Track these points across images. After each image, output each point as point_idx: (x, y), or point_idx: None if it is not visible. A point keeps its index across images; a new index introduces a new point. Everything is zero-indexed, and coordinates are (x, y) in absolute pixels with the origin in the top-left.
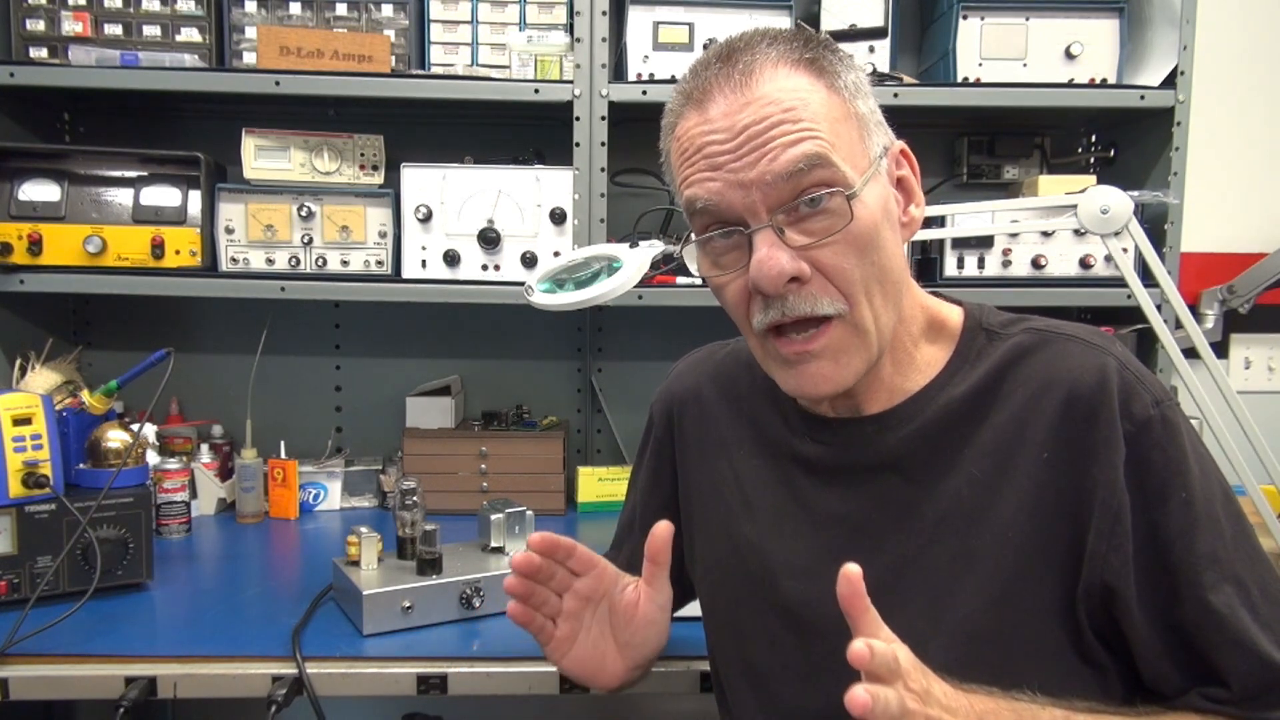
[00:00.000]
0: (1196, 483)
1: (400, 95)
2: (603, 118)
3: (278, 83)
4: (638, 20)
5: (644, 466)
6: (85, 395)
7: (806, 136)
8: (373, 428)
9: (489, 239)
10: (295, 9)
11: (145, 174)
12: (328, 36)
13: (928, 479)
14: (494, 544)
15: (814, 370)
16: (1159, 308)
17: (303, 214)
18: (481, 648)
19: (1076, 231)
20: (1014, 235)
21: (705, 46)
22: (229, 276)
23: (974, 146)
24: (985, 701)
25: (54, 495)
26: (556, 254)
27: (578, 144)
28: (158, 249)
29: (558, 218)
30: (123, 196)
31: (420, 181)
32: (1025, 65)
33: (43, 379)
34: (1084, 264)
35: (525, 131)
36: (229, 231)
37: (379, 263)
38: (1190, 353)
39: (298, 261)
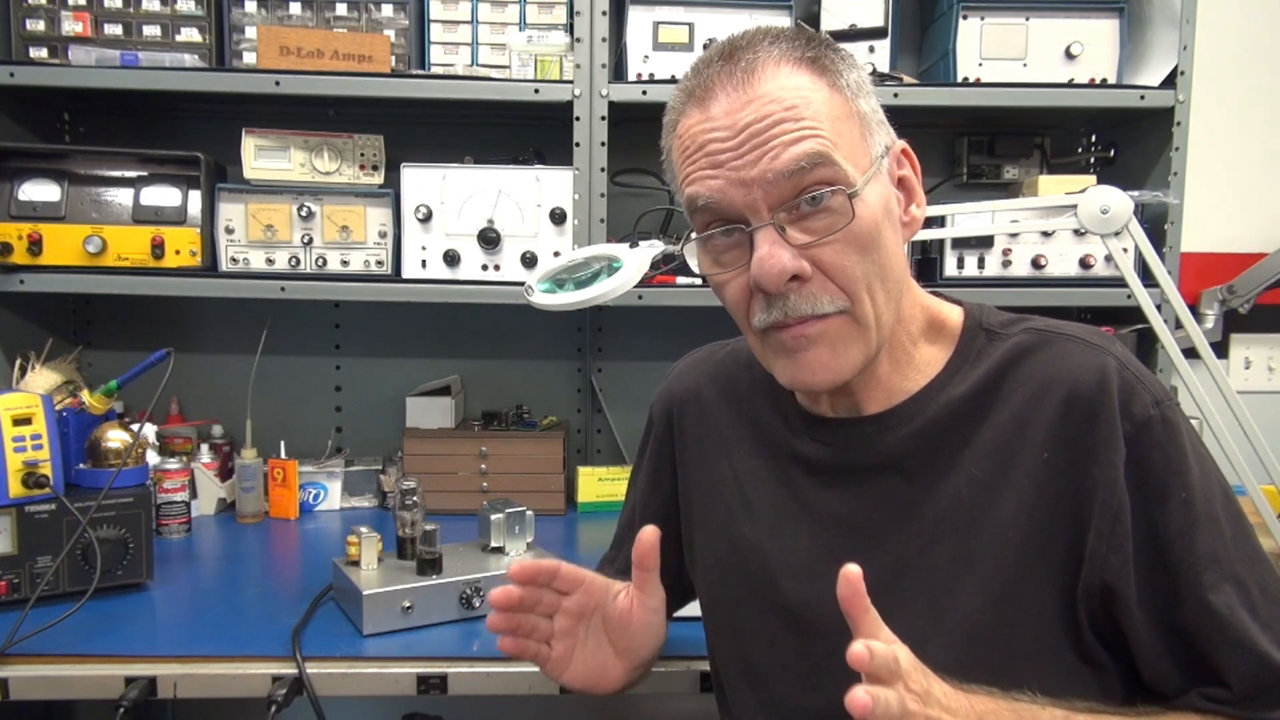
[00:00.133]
0: (1196, 483)
1: (400, 95)
2: (603, 118)
3: (278, 83)
4: (638, 20)
5: (644, 467)
6: (85, 395)
7: (808, 135)
8: (373, 428)
9: (489, 239)
10: (295, 9)
11: (145, 174)
12: (328, 36)
13: (928, 479)
14: (494, 544)
15: (811, 358)
16: (1159, 308)
17: (303, 214)
18: (481, 648)
19: (1076, 231)
20: (1014, 235)
21: (705, 46)
22: (229, 276)
23: (974, 146)
24: (985, 702)
25: (54, 495)
26: (556, 254)
27: (578, 144)
28: (158, 249)
29: (558, 218)
30: (123, 196)
31: (420, 181)
32: (1025, 65)
33: (43, 379)
34: (1084, 264)
35: (525, 131)
36: (229, 231)
37: (379, 263)
38: (1190, 353)
39: (298, 261)
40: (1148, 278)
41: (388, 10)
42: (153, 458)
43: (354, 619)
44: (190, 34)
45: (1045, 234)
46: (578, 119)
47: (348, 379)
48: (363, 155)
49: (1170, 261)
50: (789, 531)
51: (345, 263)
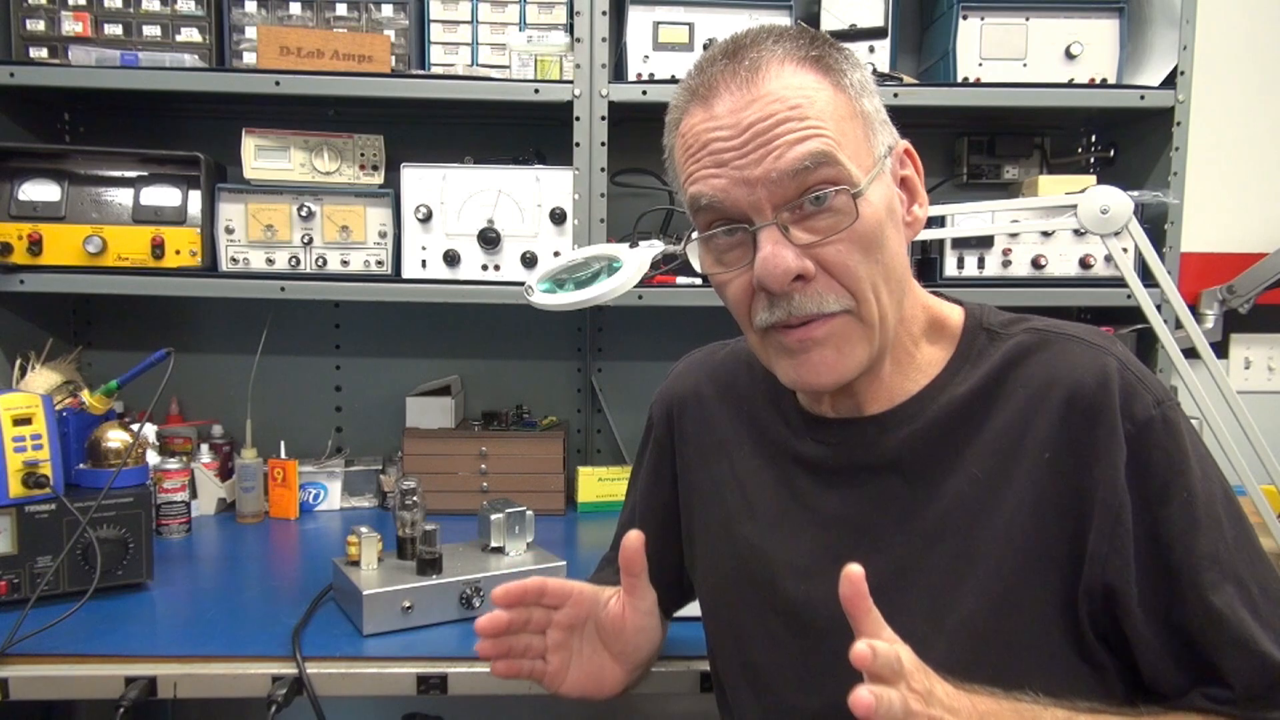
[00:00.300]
0: (1197, 483)
1: (400, 95)
2: (603, 118)
3: (278, 83)
4: (638, 20)
5: (644, 467)
6: (85, 395)
7: (812, 134)
8: (373, 428)
9: (489, 239)
10: (295, 9)
11: (145, 174)
12: (328, 36)
13: (929, 479)
14: (494, 544)
15: (816, 359)
16: (1159, 308)
17: (303, 214)
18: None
19: (1076, 231)
20: (1014, 235)
21: (705, 46)
22: (229, 276)
23: (974, 146)
24: (987, 702)
25: (54, 495)
26: (556, 254)
27: (578, 144)
28: (158, 249)
29: (558, 218)
30: (123, 196)
31: (420, 181)
32: (1025, 65)
33: (43, 379)
34: (1084, 264)
35: (525, 131)
36: (229, 231)
37: (379, 263)
38: (1190, 353)
39: (298, 261)
40: (1148, 278)
41: (388, 10)
42: (153, 458)
43: (354, 619)
44: (190, 34)
45: (1045, 234)
46: (578, 119)
47: (348, 379)
48: (363, 155)
49: (1170, 261)
50: (789, 532)
51: (345, 263)
